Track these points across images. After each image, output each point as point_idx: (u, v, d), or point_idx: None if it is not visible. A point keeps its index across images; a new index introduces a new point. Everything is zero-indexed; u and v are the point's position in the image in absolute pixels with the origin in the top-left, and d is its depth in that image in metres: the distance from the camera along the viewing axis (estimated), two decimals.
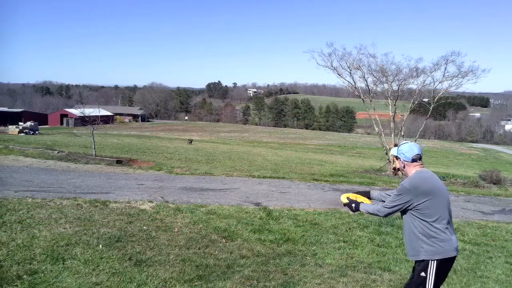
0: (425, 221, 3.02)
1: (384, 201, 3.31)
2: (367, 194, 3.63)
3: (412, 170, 3.16)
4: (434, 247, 2.99)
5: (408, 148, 3.16)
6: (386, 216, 3.21)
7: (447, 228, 3.01)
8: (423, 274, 3.05)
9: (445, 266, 3.06)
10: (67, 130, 51.85)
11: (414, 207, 3.04)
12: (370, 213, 3.29)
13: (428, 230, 3.01)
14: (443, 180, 16.06)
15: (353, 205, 3.38)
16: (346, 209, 3.53)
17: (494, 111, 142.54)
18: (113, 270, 4.24)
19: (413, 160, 3.13)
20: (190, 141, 37.38)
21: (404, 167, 3.21)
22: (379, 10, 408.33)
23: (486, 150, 73.31)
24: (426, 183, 3.05)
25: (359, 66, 18.12)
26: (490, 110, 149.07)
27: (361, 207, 3.35)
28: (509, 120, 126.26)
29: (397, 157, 3.26)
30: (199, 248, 5.20)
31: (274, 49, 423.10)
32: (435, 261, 3.00)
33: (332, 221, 7.16)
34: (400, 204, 3.08)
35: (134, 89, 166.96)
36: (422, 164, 3.17)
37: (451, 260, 3.07)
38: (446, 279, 4.87)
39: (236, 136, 70.79)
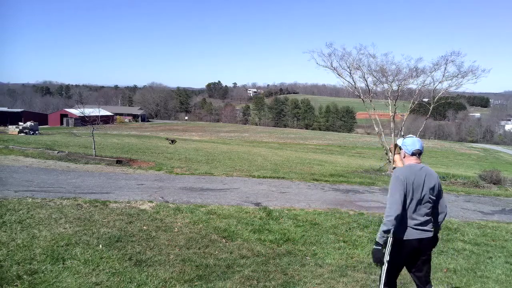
0: None
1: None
2: None
3: (407, 162, 3.51)
4: None
5: (411, 142, 3.48)
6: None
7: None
8: None
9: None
10: (67, 130, 51.82)
11: None
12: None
13: None
14: (443, 180, 16.06)
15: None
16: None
17: (494, 111, 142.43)
18: (113, 270, 4.24)
19: (412, 154, 3.45)
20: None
21: (404, 157, 3.55)
22: (379, 10, 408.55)
23: (486, 150, 73.27)
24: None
25: (359, 66, 18.09)
26: (490, 110, 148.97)
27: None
28: (509, 120, 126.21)
29: (400, 147, 3.62)
30: (199, 248, 5.20)
31: (274, 49, 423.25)
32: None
33: (332, 221, 7.16)
34: None
35: (134, 89, 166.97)
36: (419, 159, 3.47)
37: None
38: (446, 279, 4.88)
39: (236, 136, 70.76)
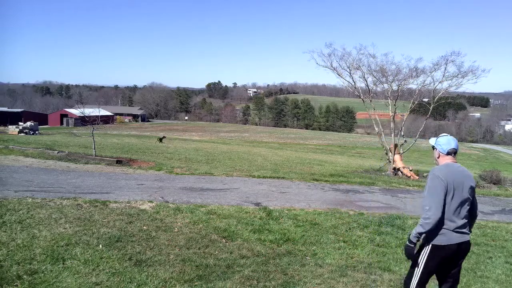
0: None
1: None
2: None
3: (443, 162, 3.32)
4: None
5: (446, 141, 3.32)
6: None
7: None
8: None
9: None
10: (67, 130, 51.83)
11: None
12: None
13: None
14: None
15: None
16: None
17: (494, 111, 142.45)
18: (113, 270, 4.23)
19: (448, 153, 3.29)
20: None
21: (438, 157, 3.38)
22: (379, 10, 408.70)
23: (486, 150, 73.29)
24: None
25: (359, 66, 18.10)
26: (490, 110, 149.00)
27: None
28: (509, 120, 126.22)
29: (434, 147, 3.42)
30: (199, 248, 5.19)
31: (274, 49, 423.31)
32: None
33: (332, 221, 7.16)
34: None
35: (134, 89, 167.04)
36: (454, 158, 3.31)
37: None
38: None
39: (236, 136, 70.77)
